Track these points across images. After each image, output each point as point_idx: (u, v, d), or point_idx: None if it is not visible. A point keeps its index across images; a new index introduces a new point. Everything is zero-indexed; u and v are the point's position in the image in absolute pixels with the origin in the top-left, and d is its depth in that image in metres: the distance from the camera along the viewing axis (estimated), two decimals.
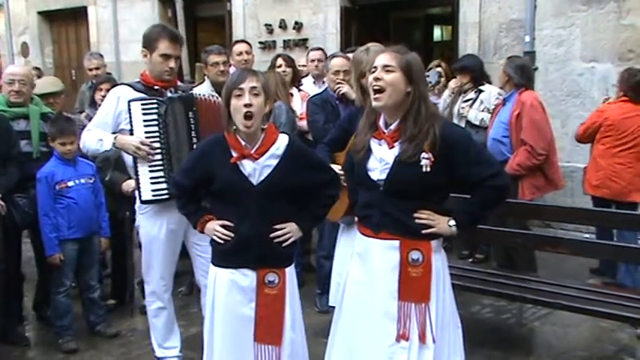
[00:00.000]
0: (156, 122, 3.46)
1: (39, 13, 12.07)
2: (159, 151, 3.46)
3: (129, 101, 3.46)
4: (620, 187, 5.01)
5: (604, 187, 5.07)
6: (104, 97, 5.08)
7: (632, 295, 3.80)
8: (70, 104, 6.98)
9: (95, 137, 3.51)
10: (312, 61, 6.00)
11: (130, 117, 3.45)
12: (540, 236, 4.57)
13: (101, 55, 6.94)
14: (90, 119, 5.10)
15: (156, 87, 3.55)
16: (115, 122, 3.55)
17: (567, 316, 4.35)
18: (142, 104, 3.45)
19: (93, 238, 4.29)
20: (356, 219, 2.82)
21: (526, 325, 4.57)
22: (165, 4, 10.11)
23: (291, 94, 5.44)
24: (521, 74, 5.00)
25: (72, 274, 4.25)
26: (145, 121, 3.45)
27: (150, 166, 3.45)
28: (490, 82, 5.85)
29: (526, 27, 6.70)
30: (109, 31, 10.86)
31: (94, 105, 5.24)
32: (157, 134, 3.46)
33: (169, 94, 3.52)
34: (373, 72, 2.62)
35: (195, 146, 3.43)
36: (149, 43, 3.54)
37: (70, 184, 4.12)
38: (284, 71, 5.56)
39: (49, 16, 12.12)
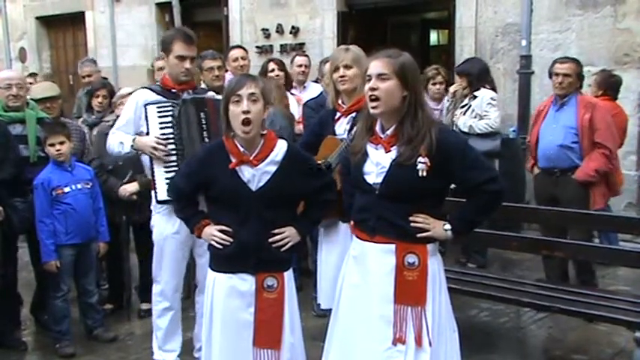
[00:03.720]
0: (171, 124, 3.54)
1: (37, 18, 12.08)
2: (174, 152, 3.54)
3: (145, 105, 3.57)
4: None
5: None
6: (101, 103, 5.17)
7: (629, 299, 3.82)
8: (67, 109, 6.95)
9: (117, 140, 3.65)
10: (300, 66, 6.07)
11: (147, 119, 3.56)
12: (537, 240, 4.56)
13: (94, 62, 6.94)
14: (87, 125, 5.15)
15: (173, 90, 3.65)
16: (136, 125, 3.67)
17: (564, 320, 4.35)
18: (158, 107, 3.56)
19: (90, 243, 4.28)
20: (351, 223, 2.82)
21: (523, 329, 4.57)
22: (162, 8, 10.13)
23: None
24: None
25: (69, 279, 4.25)
26: (160, 123, 3.55)
27: (165, 167, 3.54)
28: (491, 86, 5.82)
29: (522, 31, 6.71)
30: (106, 36, 10.88)
31: (91, 111, 5.27)
32: (171, 135, 3.54)
33: (184, 96, 3.60)
34: (368, 80, 2.60)
35: None
36: (165, 46, 3.67)
37: (67, 189, 4.11)
38: (277, 75, 5.58)
39: (46, 22, 12.12)
